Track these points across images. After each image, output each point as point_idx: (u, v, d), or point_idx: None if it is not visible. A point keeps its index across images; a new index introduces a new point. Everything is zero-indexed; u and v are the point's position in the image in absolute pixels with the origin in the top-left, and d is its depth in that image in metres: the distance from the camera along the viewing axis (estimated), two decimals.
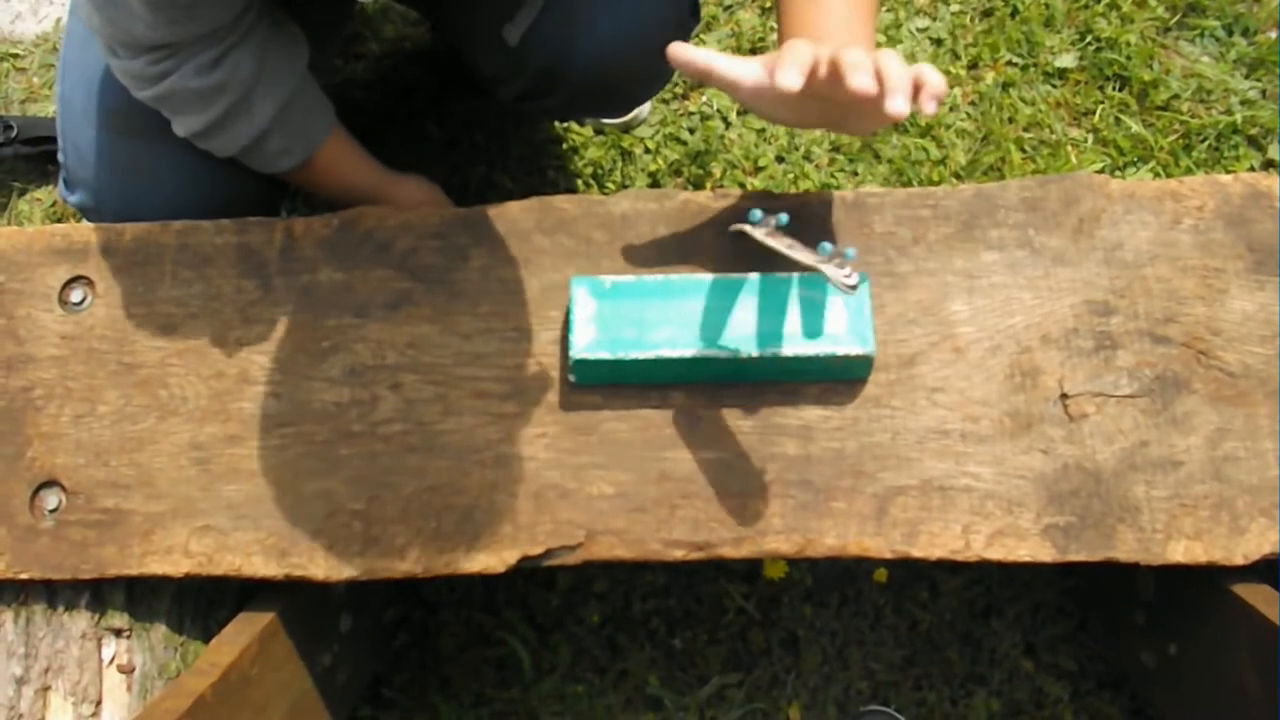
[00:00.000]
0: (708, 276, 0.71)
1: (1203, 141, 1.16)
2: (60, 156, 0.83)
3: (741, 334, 0.69)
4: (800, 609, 1.00)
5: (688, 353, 0.68)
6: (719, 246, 0.75)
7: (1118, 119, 1.17)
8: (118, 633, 0.74)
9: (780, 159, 1.16)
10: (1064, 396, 0.71)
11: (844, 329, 0.69)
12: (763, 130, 1.16)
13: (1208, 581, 0.73)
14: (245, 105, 0.74)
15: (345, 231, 0.77)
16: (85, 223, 0.79)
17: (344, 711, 0.87)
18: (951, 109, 1.19)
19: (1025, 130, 1.18)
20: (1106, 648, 0.98)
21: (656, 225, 0.76)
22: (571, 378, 0.71)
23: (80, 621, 0.73)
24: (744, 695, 0.97)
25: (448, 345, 0.74)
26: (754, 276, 0.71)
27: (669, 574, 1.02)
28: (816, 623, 0.99)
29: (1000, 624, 0.99)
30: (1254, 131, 1.16)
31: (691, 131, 1.17)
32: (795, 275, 0.71)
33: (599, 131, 1.17)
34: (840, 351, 0.68)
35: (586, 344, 0.69)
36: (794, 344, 0.69)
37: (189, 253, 0.77)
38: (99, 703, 0.72)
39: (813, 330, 0.69)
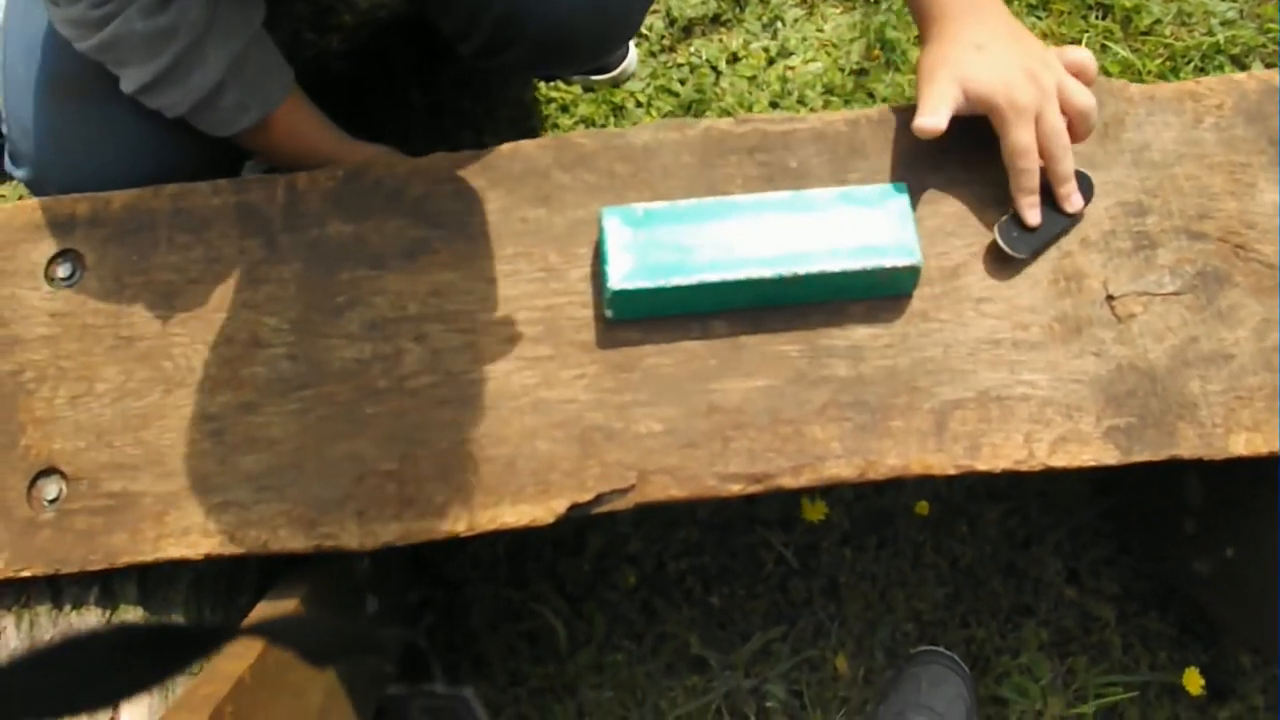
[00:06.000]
0: (742, 197, 0.68)
1: (1188, 63, 1.16)
2: (4, 129, 0.78)
3: (785, 252, 0.66)
4: (839, 553, 0.97)
5: (732, 275, 0.65)
6: (745, 172, 0.72)
7: (1104, 46, 1.17)
8: None
9: (774, 104, 1.13)
10: (1110, 298, 0.70)
11: (888, 241, 0.67)
12: (754, 78, 1.14)
13: (1259, 479, 0.72)
14: (198, 53, 0.68)
15: (351, 182, 0.73)
16: (68, 195, 0.73)
17: (379, 692, 0.83)
18: None
19: None
20: (1153, 564, 0.96)
21: (680, 154, 0.73)
22: (608, 313, 0.68)
23: (89, 619, 0.68)
24: (789, 649, 0.94)
25: (473, 291, 0.70)
26: (789, 195, 0.68)
27: (702, 530, 0.98)
28: (857, 567, 0.97)
29: (1041, 551, 0.97)
30: (1236, 50, 1.17)
31: (683, 83, 1.14)
32: (832, 190, 0.68)
33: (588, 89, 1.13)
34: (887, 264, 0.66)
35: (625, 274, 0.65)
36: (839, 259, 0.66)
37: (185, 216, 0.72)
38: (116, 704, 0.67)
39: (857, 244, 0.66)
